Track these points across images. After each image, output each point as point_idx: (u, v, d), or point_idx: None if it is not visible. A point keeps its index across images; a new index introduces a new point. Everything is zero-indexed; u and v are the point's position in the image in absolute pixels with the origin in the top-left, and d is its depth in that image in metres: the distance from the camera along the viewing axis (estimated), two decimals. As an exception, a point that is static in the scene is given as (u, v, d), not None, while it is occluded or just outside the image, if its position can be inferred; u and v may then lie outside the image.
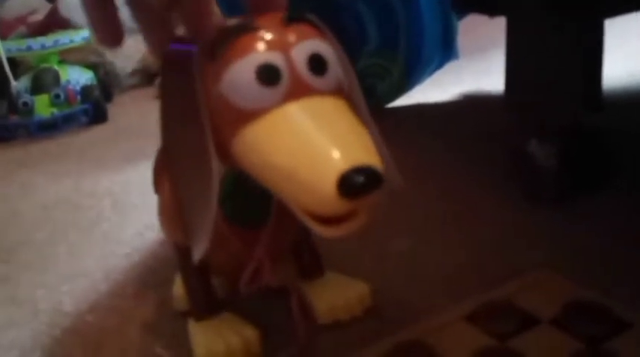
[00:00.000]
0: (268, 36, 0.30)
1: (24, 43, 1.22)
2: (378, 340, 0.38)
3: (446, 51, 0.88)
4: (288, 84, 0.29)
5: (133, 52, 1.42)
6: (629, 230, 0.49)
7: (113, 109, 1.25)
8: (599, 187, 0.55)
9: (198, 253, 0.31)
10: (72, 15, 1.38)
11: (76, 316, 0.49)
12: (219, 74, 0.29)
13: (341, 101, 0.30)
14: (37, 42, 1.21)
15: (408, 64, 0.87)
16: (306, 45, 0.30)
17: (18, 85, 1.19)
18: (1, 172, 0.97)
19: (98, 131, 1.14)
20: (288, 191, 0.28)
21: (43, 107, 1.16)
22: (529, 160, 0.56)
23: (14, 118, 1.16)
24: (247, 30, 0.30)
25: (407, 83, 0.90)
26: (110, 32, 0.32)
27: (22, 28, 1.43)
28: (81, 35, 1.25)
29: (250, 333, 0.40)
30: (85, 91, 1.19)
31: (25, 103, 1.15)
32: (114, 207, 0.73)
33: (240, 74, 0.29)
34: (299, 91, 0.29)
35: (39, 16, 1.45)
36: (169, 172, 0.37)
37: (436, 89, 0.95)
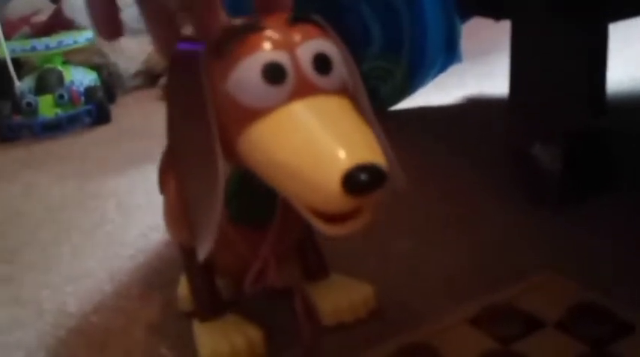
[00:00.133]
0: (274, 35, 0.30)
1: (28, 44, 1.22)
2: (381, 342, 0.38)
3: (449, 54, 0.88)
4: (293, 83, 0.29)
5: (136, 53, 1.42)
6: (632, 233, 0.49)
7: (116, 110, 1.25)
8: (602, 190, 0.55)
9: (203, 253, 0.31)
10: (76, 16, 1.38)
11: (80, 316, 0.50)
12: (225, 73, 0.30)
13: (345, 100, 0.30)
14: (41, 42, 1.22)
15: (411, 66, 0.87)
16: (311, 44, 0.30)
17: (22, 85, 1.19)
18: (5, 172, 0.97)
19: (102, 132, 1.15)
20: (292, 189, 0.28)
21: (46, 108, 1.16)
22: (533, 162, 0.56)
23: (18, 119, 1.16)
24: (253, 29, 0.30)
25: (410, 86, 0.90)
26: (110, 25, 0.32)
27: (26, 29, 1.44)
28: (85, 36, 1.26)
29: (255, 334, 0.40)
30: (89, 91, 1.19)
31: (29, 104, 1.15)
32: (118, 208, 0.73)
33: (246, 73, 0.29)
34: (304, 90, 0.29)
35: (43, 17, 1.46)
36: (175, 172, 0.37)
37: (439, 92, 0.95)
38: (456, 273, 0.47)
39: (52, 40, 1.22)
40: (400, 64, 0.87)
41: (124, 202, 0.74)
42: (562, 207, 0.55)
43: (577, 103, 0.57)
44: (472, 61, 1.00)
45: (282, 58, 0.29)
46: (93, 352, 0.45)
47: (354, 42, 0.90)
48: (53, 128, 1.16)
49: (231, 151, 0.31)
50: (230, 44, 0.30)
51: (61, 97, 1.16)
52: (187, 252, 0.40)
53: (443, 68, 0.90)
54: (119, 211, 0.72)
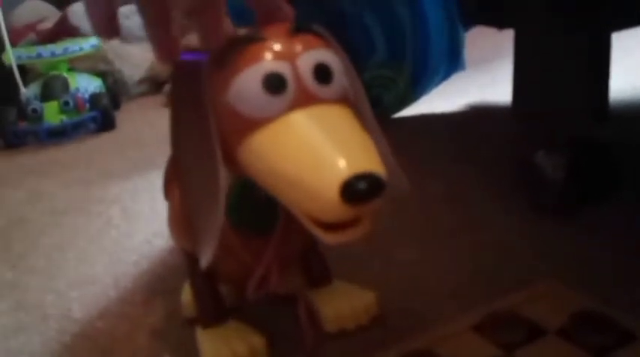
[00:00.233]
0: (274, 46, 0.30)
1: (34, 51, 1.23)
2: (384, 349, 0.38)
3: (452, 62, 0.88)
4: (293, 93, 0.29)
5: (141, 60, 1.43)
6: (634, 241, 0.49)
7: (121, 117, 1.26)
8: (604, 199, 0.55)
9: (205, 260, 0.31)
10: (81, 23, 1.39)
11: (85, 322, 0.50)
12: (226, 83, 0.30)
13: (346, 109, 0.31)
14: (46, 49, 1.23)
15: (415, 75, 0.88)
16: (311, 54, 0.30)
17: (27, 92, 1.20)
18: (11, 178, 0.98)
19: (106, 138, 1.15)
20: (292, 197, 0.28)
21: (52, 114, 1.17)
22: (536, 170, 0.56)
23: (23, 125, 1.17)
24: (254, 40, 0.31)
25: (413, 94, 0.91)
26: (107, 23, 0.33)
27: (32, 36, 1.45)
28: (90, 43, 1.27)
29: (257, 341, 0.40)
30: (94, 98, 1.20)
31: (35, 110, 1.16)
32: (122, 214, 0.73)
33: (246, 83, 0.30)
34: (304, 99, 0.30)
35: (49, 24, 1.47)
36: (178, 180, 0.37)
37: (442, 100, 0.96)
38: (459, 280, 0.47)
39: (57, 47, 1.23)
40: (403, 73, 0.88)
41: (128, 209, 0.75)
42: (564, 215, 0.55)
43: (580, 112, 0.57)
44: (475, 69, 1.00)
45: (282, 68, 0.30)
46: (97, 357, 0.45)
47: (357, 51, 0.91)
48: (58, 135, 1.16)
49: (232, 161, 0.31)
50: (231, 55, 0.30)
51: (66, 103, 1.17)
52: (191, 259, 0.40)
53: (446, 76, 0.90)
54: (123, 218, 0.72)
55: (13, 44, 1.26)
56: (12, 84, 1.19)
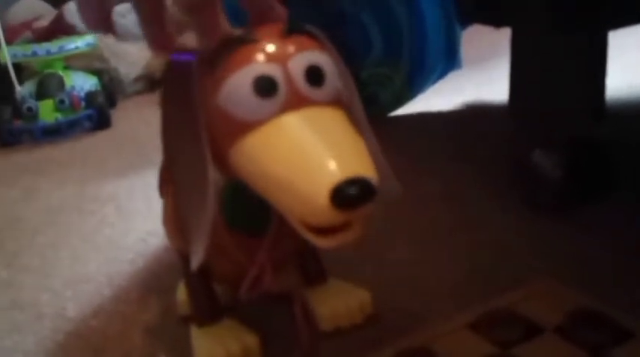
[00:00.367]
0: (265, 48, 0.30)
1: (29, 49, 1.23)
2: (379, 348, 0.38)
3: (449, 60, 0.88)
4: (285, 95, 0.29)
5: (137, 58, 1.43)
6: (631, 239, 0.49)
7: (117, 115, 1.25)
8: (601, 197, 0.55)
9: (195, 262, 0.31)
10: (77, 21, 1.39)
11: (79, 321, 0.49)
12: (217, 86, 0.30)
13: (338, 112, 0.30)
14: (42, 48, 1.22)
15: (411, 73, 0.88)
16: (303, 56, 0.30)
17: (22, 90, 1.19)
18: (5, 176, 0.98)
19: (102, 137, 1.15)
20: (283, 201, 0.28)
21: (47, 112, 1.16)
22: (533, 169, 0.56)
23: (19, 123, 1.16)
24: (245, 41, 0.30)
25: (409, 92, 0.91)
26: (101, 22, 0.33)
27: (28, 34, 1.44)
28: (86, 41, 1.26)
29: (251, 340, 0.40)
30: (90, 96, 1.19)
31: (30, 109, 1.15)
32: (117, 212, 0.73)
33: (237, 86, 0.29)
34: (296, 102, 0.29)
35: (44, 22, 1.46)
36: (171, 179, 0.37)
37: (439, 98, 0.96)
38: (456, 278, 0.47)
39: (53, 46, 1.23)
40: (400, 71, 0.88)
41: (123, 207, 0.74)
42: (562, 213, 0.55)
43: (577, 110, 0.57)
44: (471, 68, 1.00)
45: (273, 70, 0.29)
46: (91, 356, 0.45)
47: (355, 49, 0.91)
48: (53, 133, 1.16)
49: (224, 163, 0.31)
50: (222, 57, 0.30)
51: (62, 102, 1.17)
52: (186, 257, 0.40)
53: (442, 74, 0.90)
54: (118, 216, 0.72)
55: (9, 42, 1.25)
56: (7, 82, 1.18)
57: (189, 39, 0.32)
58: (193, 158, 0.31)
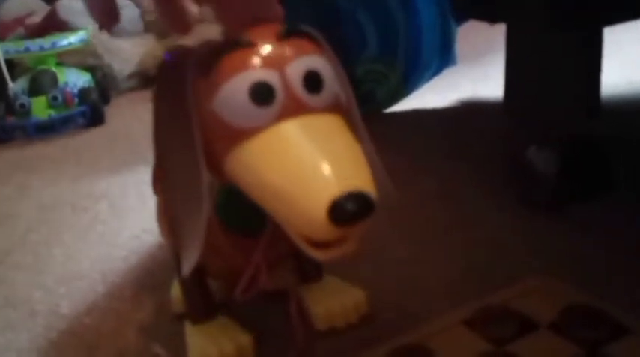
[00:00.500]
0: (262, 52, 0.29)
1: (22, 45, 1.22)
2: (376, 344, 0.38)
3: (444, 57, 0.88)
4: (282, 103, 0.28)
5: (131, 54, 1.42)
6: (626, 236, 0.49)
7: (110, 112, 1.24)
8: (596, 194, 0.55)
9: (186, 268, 0.30)
10: (70, 17, 1.38)
11: (72, 318, 0.49)
12: (212, 91, 0.29)
13: (336, 118, 0.29)
14: (35, 44, 1.21)
15: (406, 69, 0.88)
16: (301, 62, 0.29)
17: (15, 86, 1.18)
18: (-2, 173, 0.97)
19: (95, 133, 1.14)
20: (279, 212, 0.28)
21: (40, 109, 1.15)
22: (528, 166, 0.56)
23: (11, 120, 1.15)
24: (241, 45, 0.29)
25: (405, 89, 0.91)
26: (108, 13, 0.32)
27: (21, 30, 1.43)
28: (79, 37, 1.25)
29: (244, 339, 0.40)
30: (83, 93, 1.19)
31: (23, 105, 1.14)
32: (111, 209, 0.73)
33: (232, 93, 0.28)
34: (293, 109, 0.28)
35: (37, 18, 1.45)
36: (162, 182, 0.37)
37: (434, 95, 0.96)
38: (451, 275, 0.47)
39: (46, 42, 1.22)
40: (395, 67, 0.87)
41: (117, 204, 0.74)
42: (557, 211, 0.55)
43: (572, 107, 0.57)
44: (467, 64, 1.00)
45: (270, 77, 0.28)
46: (85, 353, 0.44)
47: (350, 46, 0.90)
48: (47, 129, 1.15)
49: (219, 170, 0.30)
50: (217, 60, 0.29)
51: (55, 98, 1.16)
52: (180, 254, 0.40)
53: (438, 71, 0.90)
54: (112, 213, 0.71)
55: (2, 38, 1.25)
56: (0, 79, 1.18)
57: (206, 30, 0.32)
58: (187, 166, 0.30)
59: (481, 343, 0.36)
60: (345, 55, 0.32)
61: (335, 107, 0.30)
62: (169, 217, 0.39)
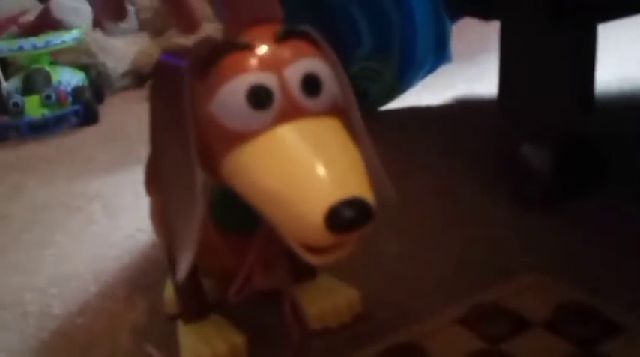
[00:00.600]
0: (260, 55, 0.29)
1: (15, 44, 1.21)
2: (370, 343, 0.37)
3: (439, 54, 0.88)
4: (280, 106, 0.28)
5: (125, 53, 1.41)
6: (619, 233, 0.49)
7: (104, 111, 1.24)
8: (590, 191, 0.55)
9: (181, 273, 0.30)
10: (64, 16, 1.37)
11: (65, 318, 0.49)
12: (209, 93, 0.28)
13: (335, 122, 0.29)
14: (28, 42, 1.21)
15: (401, 67, 0.87)
16: (300, 64, 0.29)
17: (8, 85, 1.18)
18: (-9, 173, 0.96)
19: (89, 132, 1.14)
20: (276, 217, 0.27)
21: (33, 108, 1.15)
22: (522, 163, 0.56)
23: (5, 119, 1.15)
24: (239, 47, 0.29)
25: (399, 86, 0.90)
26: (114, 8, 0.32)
27: (14, 28, 1.42)
28: (73, 36, 1.25)
29: (237, 339, 0.40)
30: (77, 92, 1.18)
31: (16, 104, 1.14)
32: (105, 209, 0.72)
33: (230, 96, 0.28)
34: (291, 113, 0.28)
35: (31, 17, 1.44)
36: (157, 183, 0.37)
37: (428, 92, 0.95)
38: (445, 273, 0.47)
39: (39, 40, 1.21)
40: (390, 65, 0.87)
41: (110, 204, 0.74)
42: (551, 208, 0.55)
43: (566, 104, 0.57)
44: (461, 62, 1.00)
45: (268, 80, 0.28)
46: (77, 354, 0.44)
47: (343, 45, 0.90)
48: (40, 129, 1.14)
49: (215, 173, 0.29)
50: (215, 62, 0.29)
51: (49, 97, 1.15)
52: (173, 254, 0.40)
53: (432, 68, 0.90)
54: (106, 213, 0.71)
55: (-6, 37, 1.24)
56: (-7, 77, 1.17)
57: (205, 29, 0.31)
58: (181, 164, 0.30)
59: (475, 341, 0.36)
60: (340, 53, 0.32)
61: (334, 110, 0.29)
62: (163, 218, 0.38)
